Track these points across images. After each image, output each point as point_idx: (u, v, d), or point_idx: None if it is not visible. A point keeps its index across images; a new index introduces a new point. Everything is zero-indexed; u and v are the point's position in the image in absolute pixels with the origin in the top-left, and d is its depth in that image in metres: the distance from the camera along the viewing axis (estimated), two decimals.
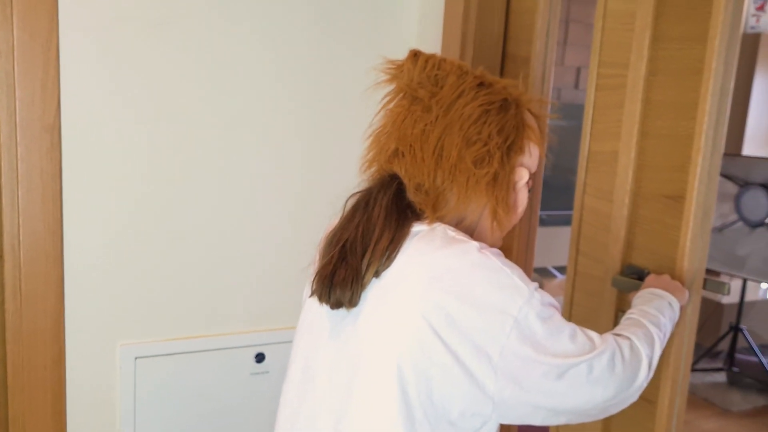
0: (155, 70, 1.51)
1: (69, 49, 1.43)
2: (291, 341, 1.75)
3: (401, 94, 1.04)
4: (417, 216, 0.99)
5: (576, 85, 4.78)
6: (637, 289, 1.27)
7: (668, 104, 1.28)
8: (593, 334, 0.96)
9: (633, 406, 1.37)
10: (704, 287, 1.30)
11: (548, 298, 0.93)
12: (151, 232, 1.57)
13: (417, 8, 1.76)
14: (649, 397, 1.34)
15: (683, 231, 1.25)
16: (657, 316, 1.10)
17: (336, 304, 0.96)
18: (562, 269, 4.19)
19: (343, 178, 1.70)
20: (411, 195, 0.99)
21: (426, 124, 0.99)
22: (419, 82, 1.02)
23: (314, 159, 1.71)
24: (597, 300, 1.42)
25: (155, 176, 1.56)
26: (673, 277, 1.27)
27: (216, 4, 1.54)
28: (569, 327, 0.93)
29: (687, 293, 1.22)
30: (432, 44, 1.72)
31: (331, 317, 1.01)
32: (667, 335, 1.11)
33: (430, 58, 1.03)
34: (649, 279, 1.25)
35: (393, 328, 0.91)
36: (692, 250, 1.25)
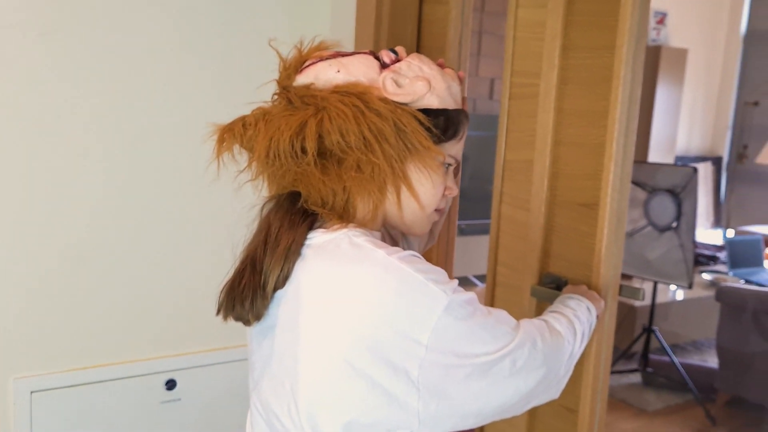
0: (44, 79, 1.41)
1: None
2: (204, 366, 1.67)
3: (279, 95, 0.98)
4: (319, 219, 0.93)
5: (490, 96, 4.86)
6: (555, 298, 1.26)
7: (580, 113, 1.29)
8: (511, 323, 0.92)
9: (555, 416, 1.37)
10: (620, 293, 1.31)
11: (466, 295, 0.88)
12: (43, 254, 1.46)
13: (328, 16, 1.72)
14: (570, 406, 1.34)
15: (598, 238, 1.25)
16: (575, 310, 1.09)
17: (238, 319, 0.93)
18: (482, 278, 4.23)
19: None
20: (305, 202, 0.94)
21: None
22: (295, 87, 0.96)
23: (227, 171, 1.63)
24: (517, 310, 1.41)
25: (45, 191, 1.45)
26: (590, 284, 1.27)
27: (106, 11, 1.45)
28: (490, 320, 0.89)
29: (603, 303, 1.22)
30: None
31: (253, 331, 0.98)
32: (586, 335, 1.09)
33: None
34: (567, 289, 1.24)
35: (306, 354, 0.88)
36: (607, 257, 1.25)
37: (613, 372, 3.85)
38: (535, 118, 1.35)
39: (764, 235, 5.22)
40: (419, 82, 0.92)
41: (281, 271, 0.90)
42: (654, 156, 5.86)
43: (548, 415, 1.38)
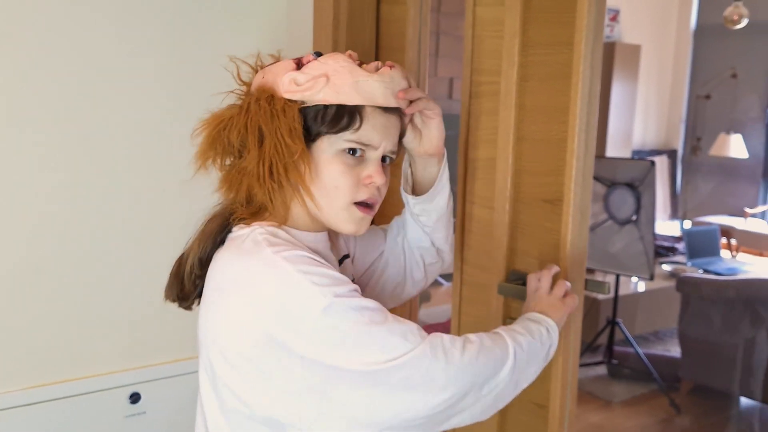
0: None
1: None
2: (168, 377, 1.63)
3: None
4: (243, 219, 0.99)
5: (450, 96, 4.89)
6: (522, 295, 1.26)
7: (541, 109, 1.29)
8: (410, 336, 0.89)
9: (525, 412, 1.37)
10: (586, 287, 1.32)
11: (357, 301, 0.89)
12: None
13: (284, 18, 1.70)
14: (539, 402, 1.34)
15: (563, 233, 1.26)
16: (523, 334, 1.03)
17: (174, 301, 1.08)
18: (447, 277, 4.25)
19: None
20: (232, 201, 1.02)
21: None
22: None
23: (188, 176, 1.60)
24: (484, 308, 1.41)
25: None
26: (556, 280, 1.27)
27: (66, 11, 1.41)
28: (380, 329, 0.88)
29: (566, 309, 1.15)
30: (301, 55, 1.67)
31: None
32: (536, 361, 1.05)
33: None
34: (530, 280, 1.21)
35: (205, 346, 0.97)
36: (572, 252, 1.26)
37: (579, 365, 3.89)
38: (496, 115, 1.35)
39: (720, 225, 5.35)
40: (316, 79, 0.95)
41: (198, 254, 1.00)
42: (611, 151, 5.97)
43: (518, 411, 1.38)
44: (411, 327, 0.92)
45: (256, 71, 1.04)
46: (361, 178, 0.98)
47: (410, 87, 1.05)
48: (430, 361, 0.89)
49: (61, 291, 1.49)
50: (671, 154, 6.79)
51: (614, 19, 6.16)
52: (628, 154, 6.23)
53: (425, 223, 1.22)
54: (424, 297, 4.13)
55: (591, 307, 4.04)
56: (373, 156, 0.99)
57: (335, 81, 0.95)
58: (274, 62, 1.03)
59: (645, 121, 6.71)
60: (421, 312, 3.98)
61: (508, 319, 1.36)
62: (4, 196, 1.40)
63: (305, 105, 0.96)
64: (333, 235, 1.12)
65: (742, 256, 5.41)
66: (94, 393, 1.53)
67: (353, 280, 1.12)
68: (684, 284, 3.54)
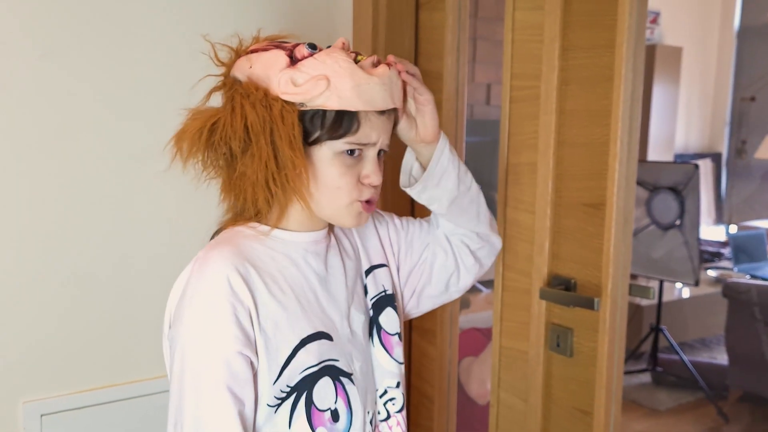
0: (43, 101, 1.40)
1: None
2: None
3: None
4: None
5: (487, 101, 4.86)
6: (565, 300, 1.26)
7: (582, 113, 1.28)
8: None
9: (569, 418, 1.36)
10: (630, 292, 1.30)
11: (210, 369, 0.91)
12: (45, 275, 1.45)
13: (325, 27, 1.72)
14: (584, 408, 1.33)
15: (606, 238, 1.25)
16: None
17: None
18: (487, 283, 4.22)
19: None
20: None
21: None
22: None
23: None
24: (526, 314, 1.41)
25: (46, 212, 1.44)
26: (599, 284, 1.26)
27: (104, 31, 1.45)
28: (187, 408, 0.93)
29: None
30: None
31: None
32: None
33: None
34: None
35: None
36: (616, 256, 1.24)
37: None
38: (537, 120, 1.35)
39: (767, 230, 5.22)
40: (316, 81, 0.91)
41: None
42: (653, 154, 5.87)
43: (561, 418, 1.37)
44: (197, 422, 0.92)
45: (238, 54, 0.99)
46: (360, 176, 0.98)
47: (405, 74, 1.03)
48: None
49: (111, 300, 1.52)
50: (715, 158, 6.64)
51: (654, 21, 6.07)
52: (670, 158, 6.12)
53: (439, 211, 1.17)
54: (464, 303, 4.11)
55: (635, 313, 3.97)
56: (371, 154, 0.99)
57: (336, 84, 0.92)
58: (256, 47, 0.98)
59: (687, 124, 6.58)
60: (462, 318, 3.96)
61: (551, 324, 1.36)
62: (47, 206, 1.44)
63: (303, 108, 0.93)
64: (352, 245, 1.13)
65: None
66: (143, 397, 1.56)
67: (384, 291, 1.14)
68: (731, 290, 3.46)
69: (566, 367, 1.35)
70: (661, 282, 3.63)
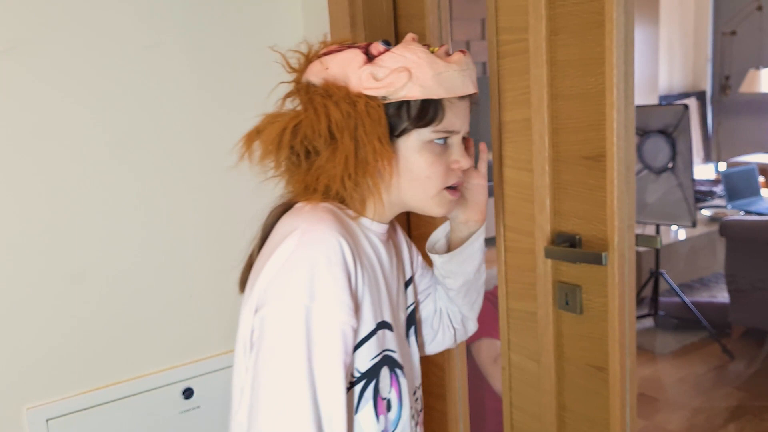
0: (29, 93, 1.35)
1: None
2: (219, 370, 1.63)
3: None
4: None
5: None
6: (572, 257, 1.23)
7: (574, 63, 1.24)
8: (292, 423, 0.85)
9: (584, 375, 1.34)
10: (637, 243, 1.27)
11: (330, 340, 0.86)
12: (44, 276, 1.41)
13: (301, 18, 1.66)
14: (598, 364, 1.31)
15: (609, 190, 1.21)
16: None
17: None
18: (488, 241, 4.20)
19: (263, 195, 1.59)
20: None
21: None
22: None
23: (226, 176, 1.58)
24: (531, 274, 1.37)
25: (43, 213, 1.39)
26: (604, 238, 1.23)
27: (86, 22, 1.39)
28: (278, 391, 0.85)
29: None
30: (320, 33, 1.62)
31: None
32: None
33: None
34: None
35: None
36: (620, 209, 1.21)
37: None
38: (527, 74, 1.30)
39: (758, 164, 5.22)
40: (398, 74, 0.93)
41: (258, 242, 1.00)
42: (638, 99, 5.81)
43: (576, 375, 1.35)
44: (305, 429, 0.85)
45: (308, 60, 1.01)
46: (448, 163, 1.00)
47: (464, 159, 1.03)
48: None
49: (108, 297, 1.49)
50: (700, 96, 6.61)
51: None
52: (655, 101, 6.08)
53: (450, 286, 1.21)
54: None
55: None
56: (456, 140, 1.01)
57: (417, 75, 0.93)
58: (328, 49, 0.99)
59: (670, 64, 6.53)
60: None
61: (558, 283, 1.33)
62: (49, 204, 1.40)
63: (386, 101, 0.94)
64: (397, 244, 1.15)
65: None
66: (149, 392, 1.54)
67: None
68: (727, 228, 3.46)
69: (577, 324, 1.32)
70: (658, 226, 3.62)
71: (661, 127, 3.30)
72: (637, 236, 1.28)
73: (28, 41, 1.35)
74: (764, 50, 6.05)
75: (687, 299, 3.72)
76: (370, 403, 0.95)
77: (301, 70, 1.00)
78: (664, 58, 6.38)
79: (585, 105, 1.23)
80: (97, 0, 1.41)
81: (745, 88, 6.00)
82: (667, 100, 6.27)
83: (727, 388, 3.19)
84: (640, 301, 3.99)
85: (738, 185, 4.74)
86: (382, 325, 0.98)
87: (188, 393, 1.59)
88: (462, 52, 1.00)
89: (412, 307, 1.16)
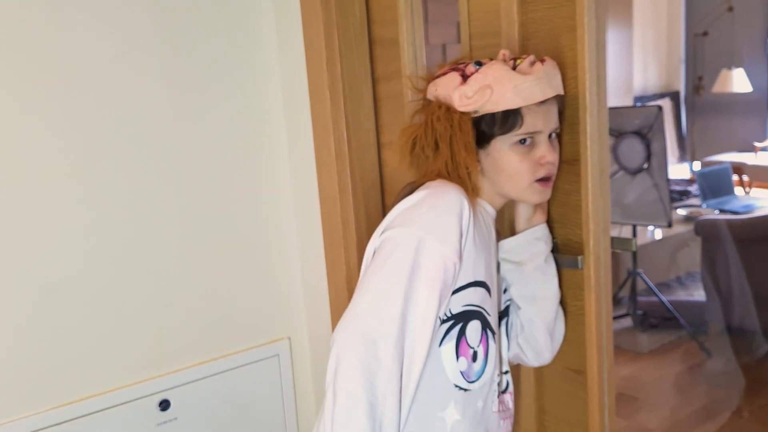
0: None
1: None
2: (195, 380, 1.61)
3: None
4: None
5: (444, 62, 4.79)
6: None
7: None
8: (380, 330, 1.01)
9: (562, 378, 1.34)
10: (612, 246, 1.27)
11: (433, 267, 1.04)
12: (8, 285, 1.38)
13: (271, 6, 1.65)
14: (576, 367, 1.31)
15: (583, 194, 1.21)
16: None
17: None
18: None
19: (238, 199, 1.58)
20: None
21: None
22: None
23: (203, 183, 1.57)
24: None
25: (5, 216, 1.37)
26: (580, 241, 1.23)
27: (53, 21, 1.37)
28: (387, 294, 1.03)
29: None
30: (294, 42, 1.62)
31: None
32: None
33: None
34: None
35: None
36: (595, 212, 1.21)
37: None
38: None
39: (731, 163, 5.29)
40: (483, 91, 1.12)
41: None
42: (613, 100, 5.87)
43: (555, 379, 1.36)
44: (390, 330, 1.02)
45: (428, 82, 1.21)
46: (536, 159, 1.14)
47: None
48: (349, 351, 1.01)
49: (80, 307, 1.46)
50: (674, 96, 6.68)
51: None
52: (630, 102, 6.14)
53: (533, 265, 1.25)
54: None
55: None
56: (542, 138, 1.15)
57: (498, 90, 1.11)
58: (441, 72, 1.19)
59: (644, 65, 6.60)
60: None
61: None
62: (24, 210, 1.37)
63: (477, 114, 1.13)
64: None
65: (756, 192, 5.34)
66: (124, 405, 1.51)
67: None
68: (702, 227, 3.49)
69: None
70: (634, 227, 3.65)
71: (636, 128, 3.33)
72: (613, 239, 1.28)
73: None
74: (736, 50, 6.14)
75: (664, 298, 3.76)
76: (453, 341, 1.12)
77: (424, 91, 1.22)
78: (638, 59, 6.44)
79: None
80: (68, 6, 1.39)
81: (717, 88, 6.08)
82: (641, 101, 6.34)
83: (704, 385, 3.22)
84: (618, 301, 4.02)
85: (712, 184, 4.80)
86: (482, 285, 1.14)
87: (165, 405, 1.57)
88: (542, 61, 1.14)
89: (506, 304, 1.30)
